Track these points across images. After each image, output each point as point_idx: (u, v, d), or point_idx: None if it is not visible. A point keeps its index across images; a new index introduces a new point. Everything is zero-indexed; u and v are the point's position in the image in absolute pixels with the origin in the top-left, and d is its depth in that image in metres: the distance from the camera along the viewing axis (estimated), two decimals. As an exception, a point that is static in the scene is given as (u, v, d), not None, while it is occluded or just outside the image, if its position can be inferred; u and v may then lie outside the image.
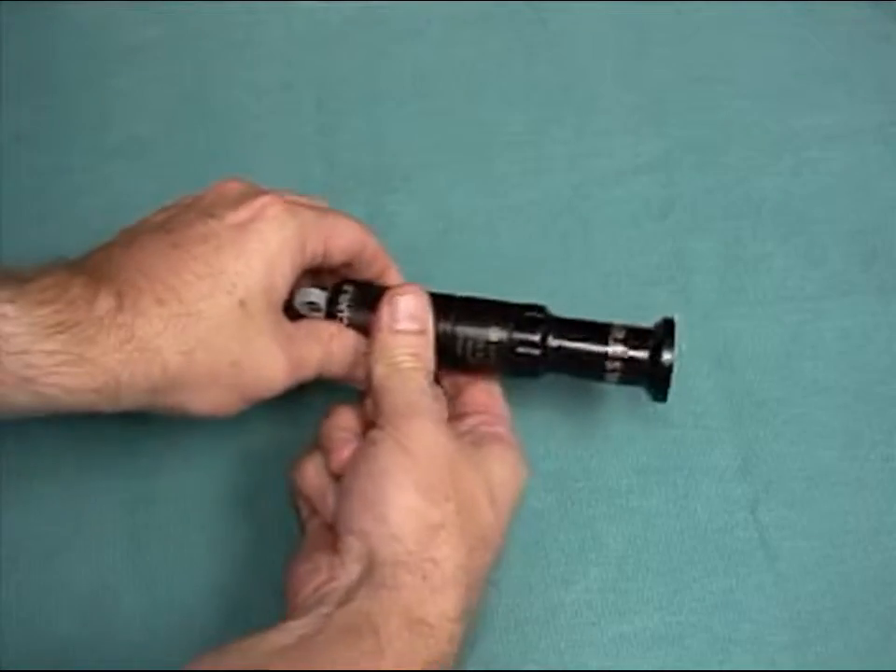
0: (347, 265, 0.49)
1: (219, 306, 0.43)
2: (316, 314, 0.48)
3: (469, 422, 0.47)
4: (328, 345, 0.47)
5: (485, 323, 0.47)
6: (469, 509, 0.43)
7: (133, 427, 0.51)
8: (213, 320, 0.43)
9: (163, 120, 0.61)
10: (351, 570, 0.41)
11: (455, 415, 0.47)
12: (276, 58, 0.63)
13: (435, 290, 0.48)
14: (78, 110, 0.61)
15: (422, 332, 0.46)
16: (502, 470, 0.45)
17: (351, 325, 0.48)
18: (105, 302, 0.41)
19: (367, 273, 0.49)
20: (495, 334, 0.47)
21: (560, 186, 0.58)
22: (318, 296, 0.48)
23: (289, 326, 0.46)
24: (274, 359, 0.45)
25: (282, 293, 0.45)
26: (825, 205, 0.58)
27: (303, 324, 0.47)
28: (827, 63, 0.61)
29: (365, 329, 0.47)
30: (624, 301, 0.55)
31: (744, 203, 0.58)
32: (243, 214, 0.45)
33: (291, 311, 0.47)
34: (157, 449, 0.52)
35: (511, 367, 0.47)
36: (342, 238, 0.47)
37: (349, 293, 0.48)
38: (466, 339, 0.47)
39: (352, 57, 0.62)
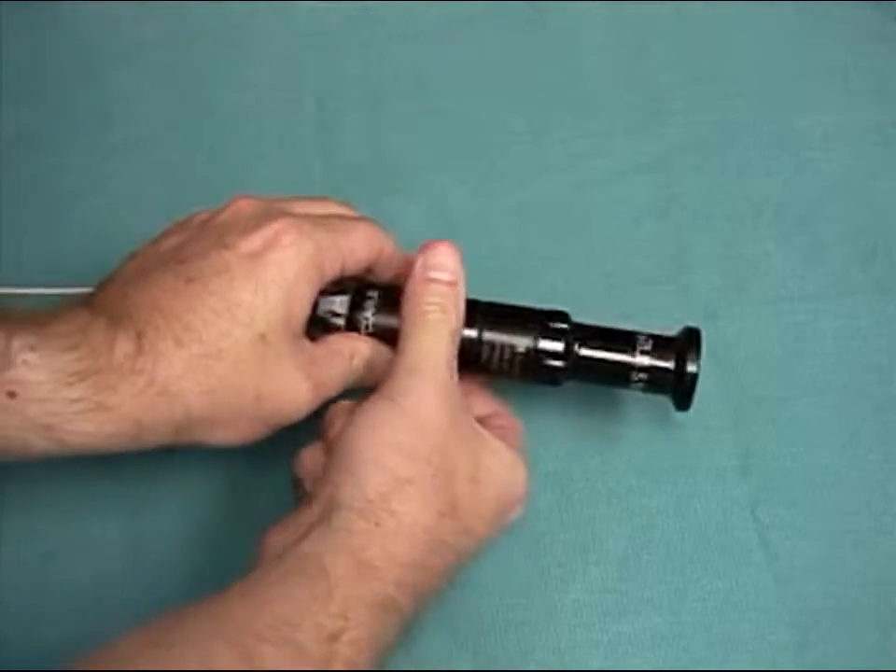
0: (367, 270, 0.48)
1: (239, 343, 0.43)
2: (339, 320, 0.48)
3: (484, 411, 0.47)
4: (350, 361, 0.47)
5: (511, 331, 0.47)
6: (446, 475, 0.42)
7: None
8: (233, 358, 0.43)
9: (163, 120, 0.61)
10: (312, 514, 0.41)
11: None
12: (276, 58, 0.63)
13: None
14: (78, 110, 0.61)
15: (453, 283, 0.45)
16: (492, 460, 0.44)
17: (376, 330, 0.47)
18: (124, 346, 0.41)
19: (385, 276, 0.49)
20: (521, 343, 0.47)
21: (560, 186, 0.58)
22: (341, 304, 0.47)
23: (310, 348, 0.46)
24: (298, 386, 0.44)
25: (301, 319, 0.45)
26: (825, 205, 0.58)
27: (323, 344, 0.46)
28: (827, 62, 0.61)
29: (391, 333, 0.47)
30: (624, 301, 0.55)
31: (744, 203, 0.58)
32: (256, 242, 0.44)
33: (312, 321, 0.47)
34: (157, 448, 0.52)
35: (535, 376, 0.48)
36: (359, 252, 0.46)
37: (372, 298, 0.48)
38: (492, 346, 0.47)
39: (352, 57, 0.62)
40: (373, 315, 0.47)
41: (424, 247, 0.46)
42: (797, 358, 0.54)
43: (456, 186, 0.59)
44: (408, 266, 0.47)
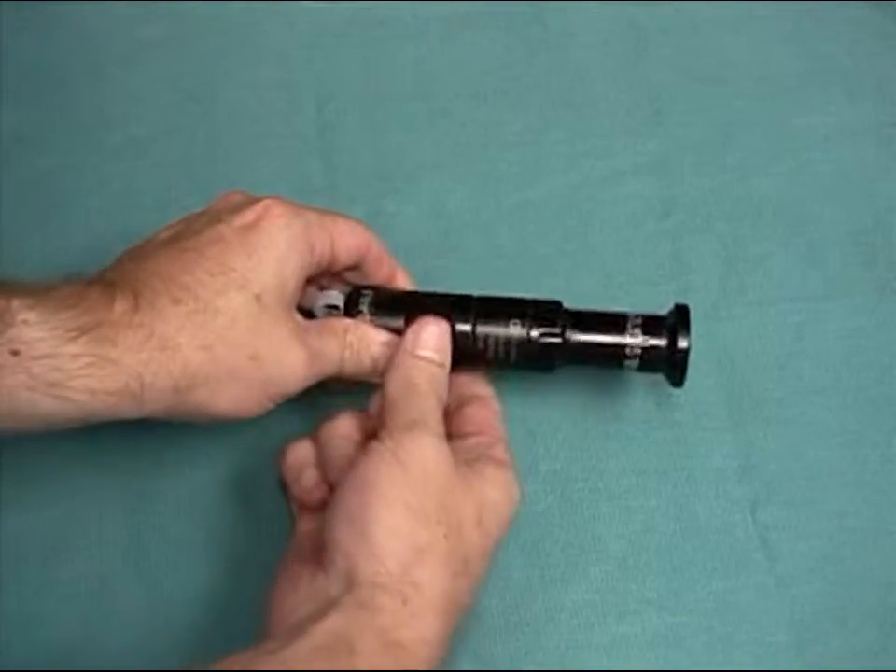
0: (354, 268, 0.49)
1: (235, 301, 0.44)
2: (336, 312, 0.49)
3: (468, 443, 0.47)
4: (344, 337, 0.47)
5: (504, 320, 0.48)
6: (457, 532, 0.43)
7: (134, 426, 0.51)
8: (229, 315, 0.44)
9: (163, 120, 0.61)
10: (331, 588, 0.41)
11: (454, 433, 0.47)
12: (276, 58, 0.63)
13: (449, 292, 0.49)
14: (78, 110, 0.61)
15: (441, 366, 0.47)
16: (494, 492, 0.45)
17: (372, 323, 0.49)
18: (122, 304, 0.42)
19: (375, 277, 0.50)
20: (515, 330, 0.48)
21: (560, 186, 0.58)
22: (337, 298, 0.49)
23: (304, 321, 0.47)
24: (293, 351, 0.45)
25: (293, 291, 0.46)
26: (825, 205, 0.58)
27: (319, 321, 0.48)
28: (827, 62, 0.61)
29: (386, 329, 0.48)
30: (624, 301, 0.55)
31: (744, 203, 0.58)
32: (249, 216, 0.45)
33: (309, 315, 0.48)
34: (157, 448, 0.52)
35: (531, 361, 0.48)
36: (347, 238, 0.48)
37: (368, 296, 0.49)
38: (486, 337, 0.48)
39: (352, 57, 0.62)
40: (369, 311, 0.48)
41: (416, 325, 0.47)
42: (797, 358, 0.54)
43: (456, 186, 0.59)
44: (396, 271, 0.50)
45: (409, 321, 0.48)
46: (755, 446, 0.52)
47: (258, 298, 0.44)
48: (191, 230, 0.46)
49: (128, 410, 0.43)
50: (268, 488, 0.51)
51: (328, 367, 0.47)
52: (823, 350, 0.54)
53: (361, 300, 0.49)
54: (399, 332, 0.48)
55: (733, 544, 0.50)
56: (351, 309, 0.49)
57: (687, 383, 0.51)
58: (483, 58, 0.62)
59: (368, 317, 0.48)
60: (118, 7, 0.64)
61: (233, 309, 0.44)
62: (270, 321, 0.45)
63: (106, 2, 0.64)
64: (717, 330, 0.54)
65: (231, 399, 0.44)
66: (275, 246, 0.45)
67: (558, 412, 0.53)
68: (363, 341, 0.48)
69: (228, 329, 0.44)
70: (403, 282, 0.51)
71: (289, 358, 0.45)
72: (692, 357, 0.47)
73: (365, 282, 0.50)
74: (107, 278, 0.44)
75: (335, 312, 0.49)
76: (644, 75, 0.61)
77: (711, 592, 0.49)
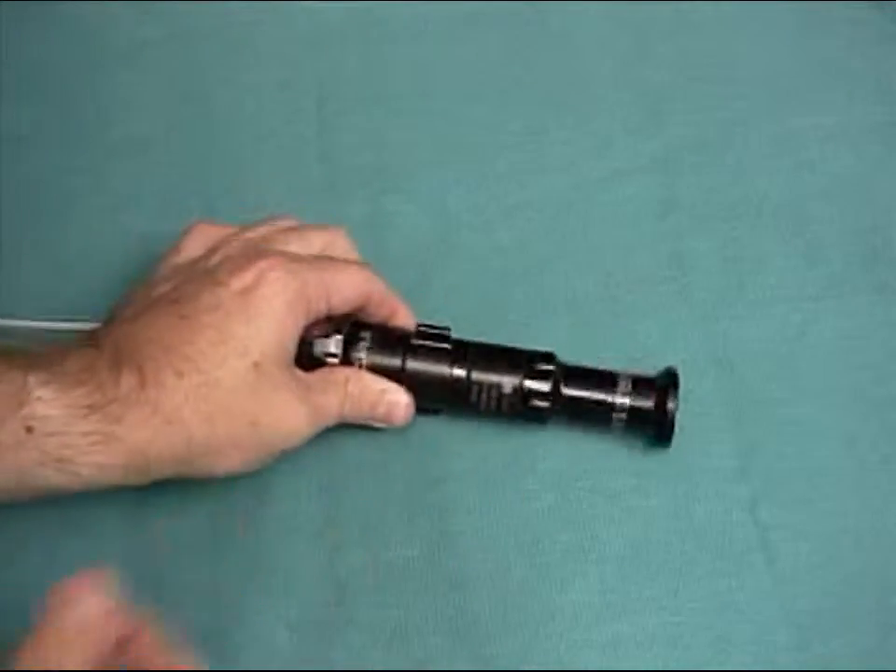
0: (357, 309, 0.50)
1: (235, 370, 0.45)
2: (333, 360, 0.49)
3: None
4: (345, 389, 0.48)
5: (499, 372, 0.49)
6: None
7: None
8: (230, 385, 0.44)
9: (163, 120, 0.61)
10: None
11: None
12: (276, 58, 0.63)
13: (448, 333, 0.50)
14: (78, 110, 0.61)
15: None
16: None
17: (370, 369, 0.49)
18: (128, 380, 0.43)
19: (377, 316, 0.50)
20: (508, 384, 0.49)
21: (560, 186, 0.58)
22: (336, 344, 0.49)
23: (304, 377, 0.48)
24: (294, 411, 0.46)
25: (291, 350, 0.47)
26: (825, 205, 0.58)
27: (319, 373, 0.48)
28: (827, 62, 0.61)
29: (383, 372, 0.49)
30: (624, 301, 0.55)
31: (744, 202, 0.58)
32: (247, 279, 0.46)
33: (305, 360, 0.49)
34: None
35: (522, 414, 0.50)
36: (346, 292, 0.48)
37: (365, 339, 0.50)
38: (480, 386, 0.49)
39: (352, 57, 0.62)
40: (367, 354, 0.49)
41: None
42: (797, 358, 0.54)
43: (456, 185, 0.59)
44: (398, 309, 0.50)
45: (405, 365, 0.49)
46: (755, 446, 0.52)
47: (257, 365, 0.45)
48: (188, 291, 0.46)
49: (134, 481, 0.45)
50: (268, 488, 0.51)
51: (329, 419, 0.48)
52: (823, 350, 0.54)
53: (359, 344, 0.50)
54: (396, 373, 0.49)
55: (732, 544, 0.50)
56: (349, 353, 0.49)
57: (687, 383, 0.51)
58: (483, 58, 0.62)
59: (365, 362, 0.49)
60: (117, 6, 0.64)
61: (234, 378, 0.45)
62: (270, 387, 0.45)
63: (106, 2, 0.64)
64: (717, 330, 0.54)
65: (233, 463, 0.46)
66: (273, 312, 0.45)
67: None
68: (363, 392, 0.49)
69: (229, 399, 0.44)
70: (404, 318, 0.51)
71: (290, 420, 0.46)
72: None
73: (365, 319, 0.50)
74: (113, 348, 0.44)
75: (333, 357, 0.49)
76: (644, 75, 0.61)
77: (710, 591, 0.49)
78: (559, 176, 0.59)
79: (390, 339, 0.50)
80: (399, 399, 0.49)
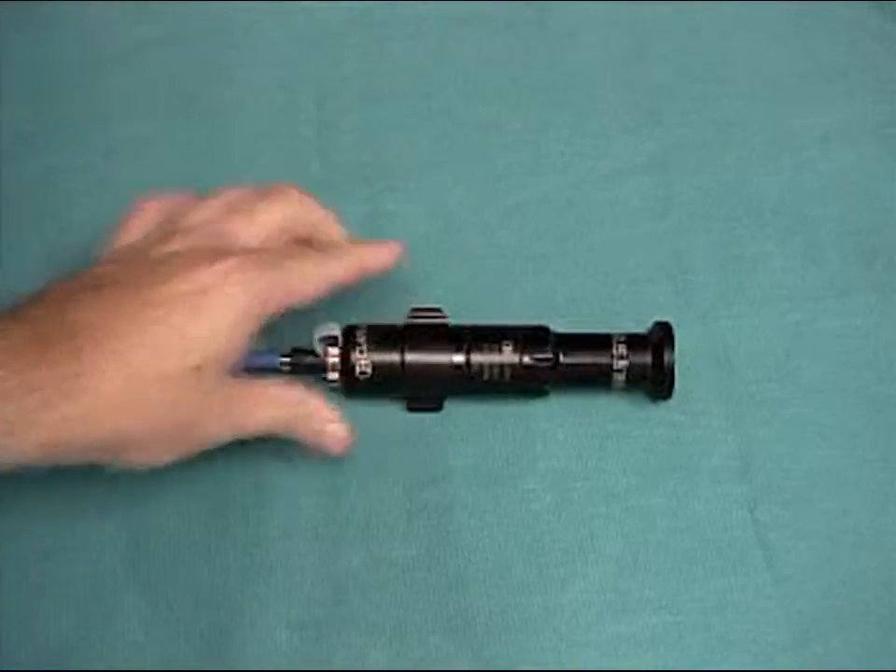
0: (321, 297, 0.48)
1: (173, 370, 0.43)
2: (332, 349, 0.50)
3: None
4: (291, 409, 0.47)
5: (497, 347, 0.50)
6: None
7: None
8: (165, 383, 0.43)
9: (163, 120, 0.61)
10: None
11: None
12: (276, 58, 0.63)
13: (447, 321, 0.51)
14: (78, 110, 0.61)
15: None
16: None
17: (370, 368, 0.50)
18: (58, 364, 0.41)
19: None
20: (508, 357, 0.50)
21: (559, 186, 0.58)
22: (334, 329, 0.50)
23: (241, 385, 0.46)
24: (218, 419, 0.45)
25: (236, 356, 0.45)
26: (825, 205, 0.58)
27: (271, 385, 0.47)
28: (826, 62, 0.61)
29: (384, 368, 0.50)
30: (624, 301, 0.55)
31: (743, 203, 0.58)
32: (205, 279, 0.44)
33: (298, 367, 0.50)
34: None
35: (524, 385, 0.51)
36: (306, 291, 0.47)
37: (364, 328, 0.50)
38: (481, 365, 0.50)
39: (352, 57, 0.62)
40: (367, 344, 0.50)
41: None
42: (797, 358, 0.54)
43: (456, 185, 0.59)
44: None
45: (404, 355, 0.50)
46: (754, 446, 0.52)
47: (198, 368, 0.44)
48: (140, 278, 0.45)
49: (51, 463, 0.42)
50: (268, 487, 0.51)
51: (257, 432, 0.47)
52: (823, 350, 0.54)
53: (358, 331, 0.50)
54: (394, 366, 0.50)
55: (731, 543, 0.50)
56: (349, 342, 0.50)
57: (686, 382, 0.51)
58: (482, 58, 0.62)
59: (366, 351, 0.50)
60: (116, 6, 0.64)
61: (169, 377, 0.43)
62: (204, 390, 0.44)
63: (105, 1, 0.64)
64: (716, 330, 0.54)
65: (149, 456, 0.45)
66: (225, 320, 0.44)
67: (557, 411, 0.53)
68: (314, 417, 0.48)
69: (162, 396, 0.43)
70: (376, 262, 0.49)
71: (214, 426, 0.45)
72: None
73: None
74: (43, 327, 0.42)
75: (332, 345, 0.50)
76: (644, 75, 0.61)
77: (710, 591, 0.49)
78: (558, 176, 0.59)
79: (389, 331, 0.50)
80: (343, 435, 0.48)
